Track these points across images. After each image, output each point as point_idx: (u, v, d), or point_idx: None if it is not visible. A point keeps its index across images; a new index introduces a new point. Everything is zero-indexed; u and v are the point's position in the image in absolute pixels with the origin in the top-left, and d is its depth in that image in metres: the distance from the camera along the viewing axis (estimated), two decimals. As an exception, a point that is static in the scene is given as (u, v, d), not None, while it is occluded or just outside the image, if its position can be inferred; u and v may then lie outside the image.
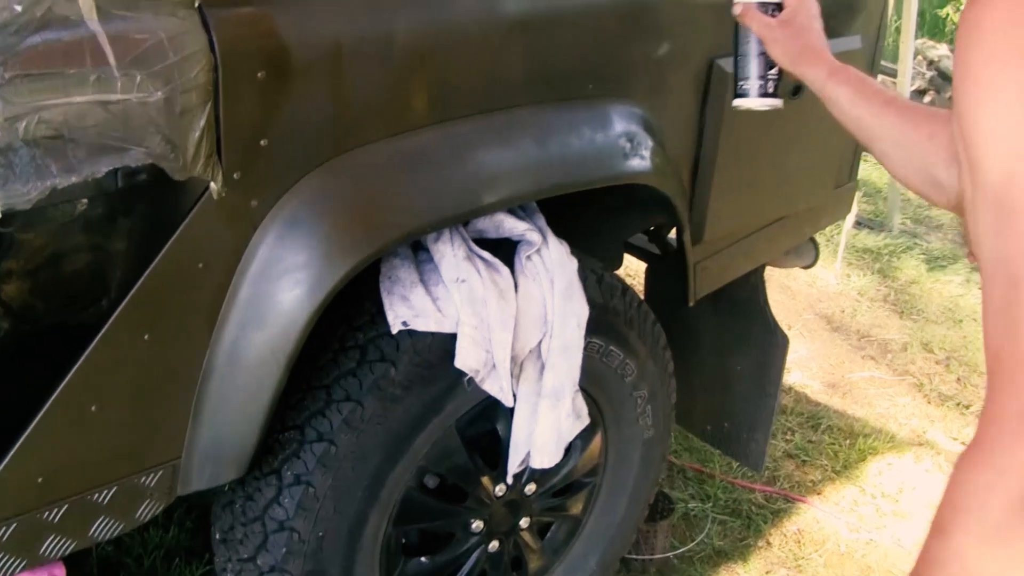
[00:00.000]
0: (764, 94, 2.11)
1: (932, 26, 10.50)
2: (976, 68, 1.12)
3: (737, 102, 2.14)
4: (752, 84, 2.11)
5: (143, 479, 1.79)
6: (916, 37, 8.06)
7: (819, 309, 5.37)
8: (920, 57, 8.87)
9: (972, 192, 1.14)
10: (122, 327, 1.64)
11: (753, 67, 2.11)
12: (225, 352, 1.77)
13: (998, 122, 1.10)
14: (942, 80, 8.75)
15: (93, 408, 1.66)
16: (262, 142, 1.67)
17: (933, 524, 1.12)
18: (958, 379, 4.90)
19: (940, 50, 9.04)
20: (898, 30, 6.41)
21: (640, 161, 2.21)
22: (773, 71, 2.09)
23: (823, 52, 1.98)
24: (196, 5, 1.55)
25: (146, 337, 1.67)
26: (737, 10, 2.06)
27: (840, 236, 5.66)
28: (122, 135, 1.48)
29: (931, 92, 8.69)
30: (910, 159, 1.79)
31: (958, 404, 4.69)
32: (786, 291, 5.41)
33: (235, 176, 1.65)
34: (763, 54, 2.08)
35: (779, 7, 2.04)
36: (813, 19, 2.03)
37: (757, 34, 2.06)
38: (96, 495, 1.73)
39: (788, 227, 2.98)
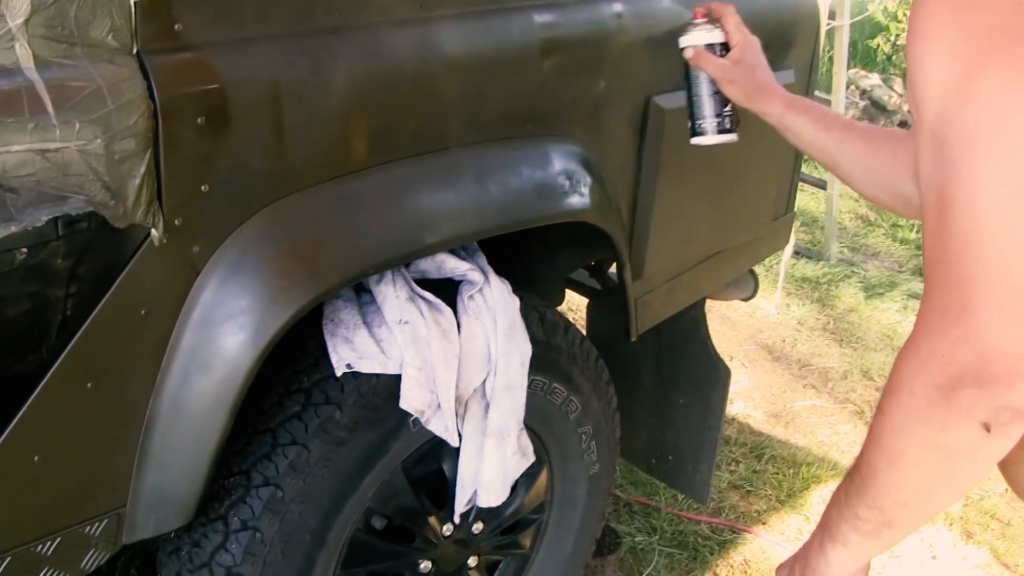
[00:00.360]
0: (722, 131, 2.22)
1: (864, 56, 10.66)
2: (921, 24, 1.27)
3: (695, 140, 2.24)
4: (709, 123, 2.22)
5: (88, 528, 1.77)
6: (848, 67, 8.18)
7: (760, 339, 5.42)
8: (853, 87, 8.99)
9: (918, 130, 1.27)
10: (64, 376, 1.62)
11: (708, 106, 2.21)
12: (169, 399, 1.76)
13: (935, 67, 1.24)
14: (875, 109, 8.88)
15: (36, 458, 1.64)
16: (203, 187, 1.66)
17: (877, 406, 1.31)
18: (898, 406, 4.94)
19: (872, 79, 9.18)
20: (831, 60, 6.49)
21: (579, 199, 2.23)
22: (728, 108, 2.20)
23: (775, 86, 2.10)
24: (134, 51, 1.54)
25: (89, 385, 1.66)
26: (688, 54, 2.17)
27: (779, 266, 5.71)
28: (62, 183, 1.47)
29: (864, 121, 8.80)
30: (877, 178, 1.92)
31: (899, 431, 4.72)
32: (727, 322, 5.45)
33: (176, 222, 1.65)
34: (717, 93, 2.19)
35: (725, 47, 2.17)
36: (759, 56, 2.17)
37: (713, 75, 2.17)
38: (40, 546, 1.71)
39: (727, 260, 3.01)
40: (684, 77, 2.25)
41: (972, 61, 1.21)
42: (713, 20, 2.22)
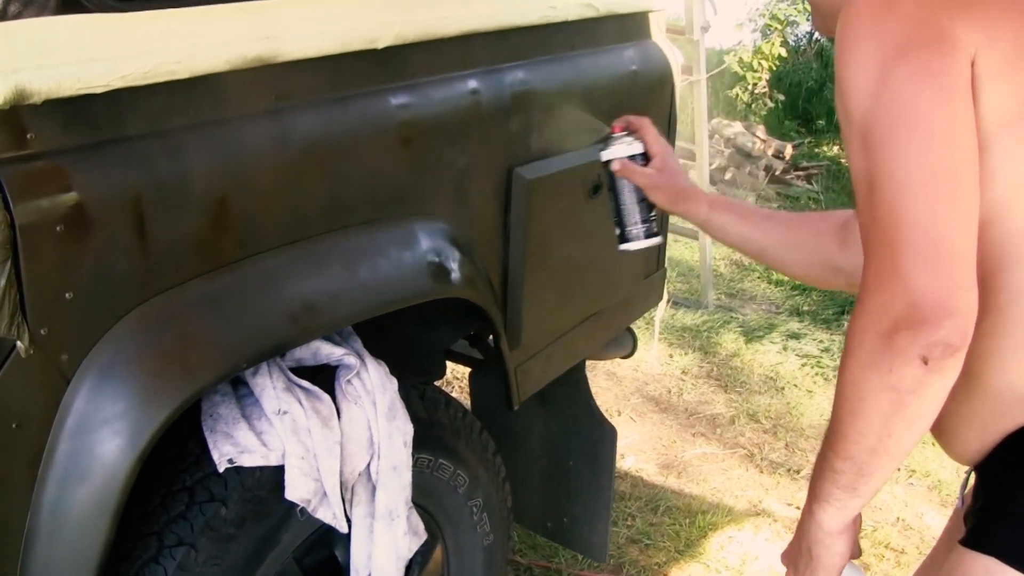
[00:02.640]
0: (649, 235, 2.33)
1: (726, 105, 10.88)
2: (845, 42, 1.54)
3: (625, 247, 2.33)
4: (638, 229, 2.31)
5: (-30, 654, 1.73)
6: (711, 118, 8.34)
7: (646, 392, 5.47)
8: (717, 136, 9.17)
9: (847, 134, 1.54)
10: (-64, 496, 1.59)
11: (636, 213, 2.31)
12: (48, 510, 1.73)
13: (857, 75, 1.50)
14: (740, 156, 9.06)
15: (-88, 585, 1.61)
16: (67, 295, 1.65)
17: (838, 366, 1.52)
18: (786, 445, 5.04)
19: (735, 127, 9.37)
20: (693, 110, 6.62)
21: (449, 275, 2.25)
22: (653, 213, 2.31)
23: (697, 189, 2.28)
24: (-13, 164, 1.53)
25: (-38, 504, 1.63)
26: (616, 166, 2.30)
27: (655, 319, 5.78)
28: (-80, 303, 1.46)
29: (731, 169, 8.98)
30: (805, 256, 2.15)
31: (789, 470, 4.81)
32: (612, 377, 5.50)
33: (42, 332, 1.62)
34: (643, 200, 2.29)
35: (645, 156, 2.28)
36: (677, 162, 2.32)
37: (640, 185, 2.27)
38: None
39: (603, 321, 3.05)
40: (608, 188, 2.34)
41: (884, 66, 1.48)
42: (631, 132, 2.32)
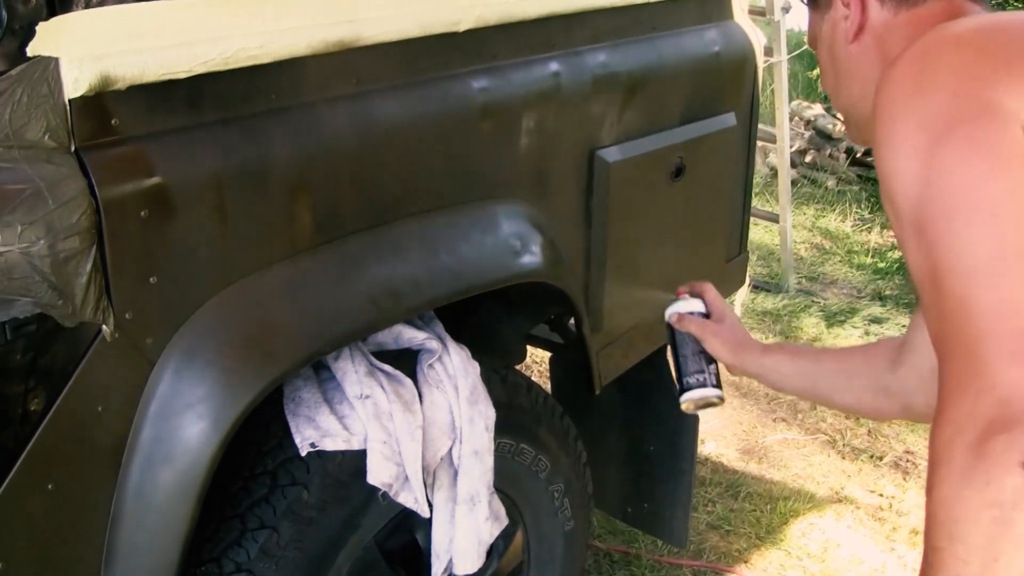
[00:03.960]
0: (706, 385, 2.32)
1: (806, 87, 10.75)
2: (881, 130, 1.47)
3: (683, 398, 2.34)
4: (694, 379, 2.32)
5: (59, 630, 1.75)
6: (791, 99, 8.25)
7: (727, 377, 5.39)
8: (797, 118, 9.06)
9: (899, 230, 1.43)
10: (24, 479, 1.60)
11: (694, 364, 2.32)
12: (133, 493, 1.74)
13: (899, 162, 1.42)
14: (820, 138, 8.94)
15: (1, 566, 1.62)
16: (151, 280, 1.66)
17: (925, 487, 1.32)
18: (868, 431, 4.96)
19: (815, 109, 9.24)
20: (774, 93, 6.54)
21: (531, 259, 2.23)
22: (712, 366, 2.31)
23: (754, 341, 2.27)
24: (72, 150, 1.54)
25: (50, 487, 1.64)
26: (673, 319, 2.32)
27: (737, 304, 5.73)
28: (7, 287, 1.47)
29: (811, 151, 8.87)
30: (856, 383, 2.06)
31: (871, 456, 4.75)
32: (692, 363, 5.45)
33: (127, 316, 1.64)
34: (701, 352, 2.30)
35: (706, 316, 2.32)
36: (736, 320, 2.34)
37: (695, 333, 2.29)
38: (11, 653, 1.69)
39: (685, 305, 3.01)
40: (669, 342, 2.36)
41: (928, 150, 1.38)
42: (694, 294, 2.35)
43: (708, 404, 2.35)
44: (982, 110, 1.38)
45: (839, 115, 9.21)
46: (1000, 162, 1.34)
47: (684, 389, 2.33)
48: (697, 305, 2.33)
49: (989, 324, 1.28)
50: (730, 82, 2.95)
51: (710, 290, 2.36)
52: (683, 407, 2.35)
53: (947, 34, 1.57)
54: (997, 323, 1.27)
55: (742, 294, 5.60)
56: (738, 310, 5.68)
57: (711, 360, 2.31)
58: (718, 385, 2.33)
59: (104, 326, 1.60)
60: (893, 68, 1.55)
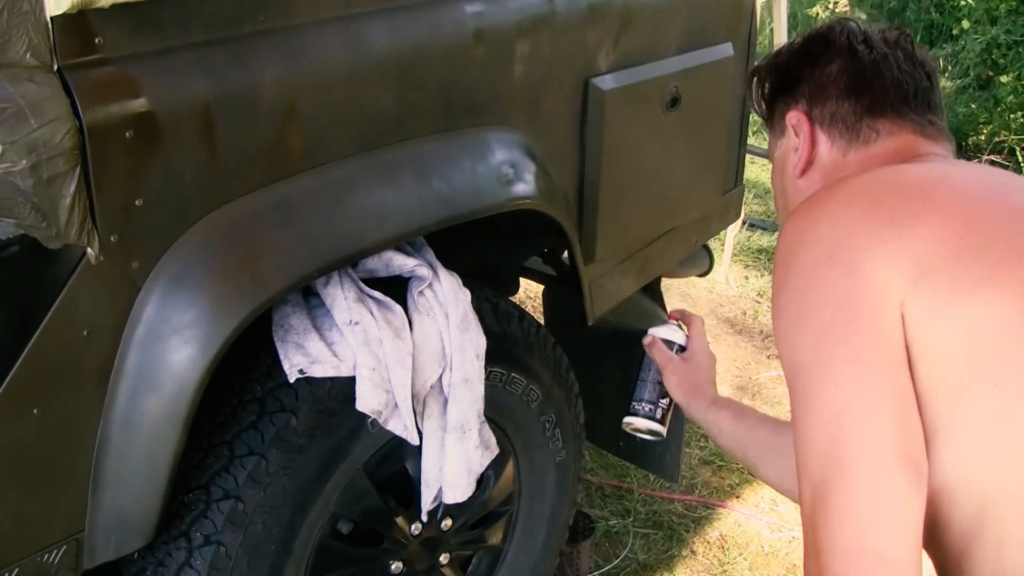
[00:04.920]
0: (651, 418, 2.41)
1: (804, 25, 10.67)
2: (775, 279, 1.59)
3: (626, 419, 2.43)
4: (644, 407, 2.41)
5: (46, 556, 1.74)
6: (789, 38, 8.18)
7: (721, 314, 5.42)
8: (796, 56, 8.99)
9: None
10: (9, 404, 1.59)
11: (648, 391, 2.41)
12: (120, 419, 1.73)
13: (777, 328, 1.57)
14: (820, 77, 8.88)
15: (-13, 490, 1.62)
16: (137, 202, 1.63)
17: None
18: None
19: (815, 48, 9.17)
20: (772, 31, 6.49)
21: (524, 187, 2.21)
22: (665, 400, 2.39)
23: (710, 390, 2.34)
24: (55, 69, 1.51)
25: (35, 411, 1.63)
26: (647, 340, 2.39)
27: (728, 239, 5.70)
28: (-10, 208, 1.45)
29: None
30: (782, 460, 2.02)
31: (865, 394, 4.74)
32: (687, 299, 5.45)
33: (112, 239, 1.62)
34: (659, 383, 2.37)
35: (683, 349, 2.38)
36: (709, 367, 2.37)
37: (658, 362, 2.36)
38: (-3, 578, 1.69)
39: (679, 237, 3.00)
40: (637, 360, 2.46)
41: (795, 323, 1.51)
42: (682, 324, 2.43)
43: (649, 435, 2.43)
44: (850, 295, 1.44)
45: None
46: (853, 364, 1.40)
47: (632, 413, 2.42)
48: (678, 336, 2.40)
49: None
50: (727, 11, 2.91)
51: (697, 325, 2.43)
52: (623, 426, 2.44)
53: (842, 190, 1.63)
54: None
55: (735, 228, 5.57)
56: (731, 246, 5.66)
57: (665, 395, 2.38)
58: (663, 422, 2.41)
59: (89, 249, 1.58)
60: (791, 216, 1.63)
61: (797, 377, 1.46)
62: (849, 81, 1.81)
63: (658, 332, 2.41)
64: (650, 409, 2.39)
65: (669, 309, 3.30)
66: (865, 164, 1.76)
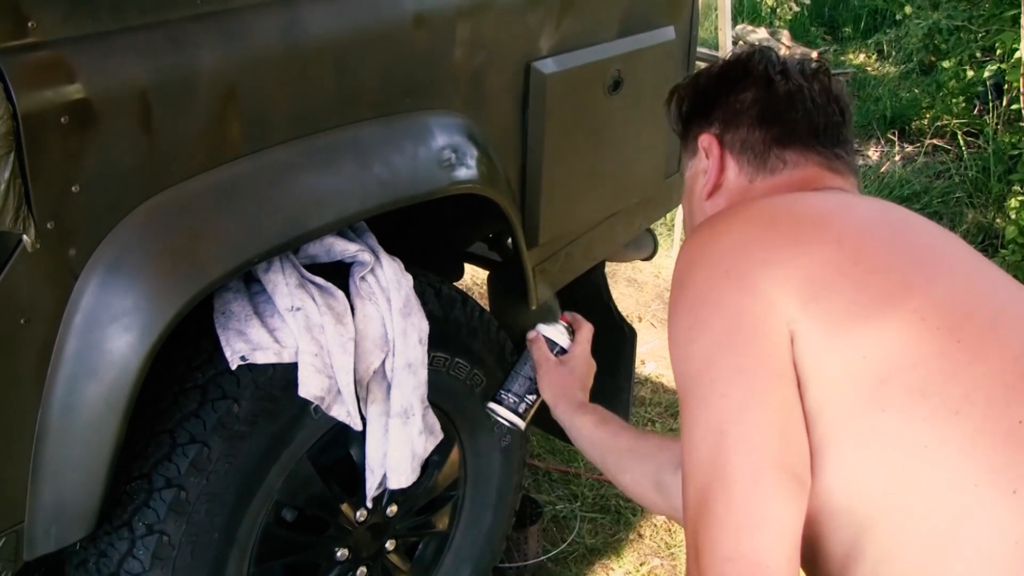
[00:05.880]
0: (514, 412, 2.45)
1: (750, 11, 10.73)
2: (672, 296, 1.63)
3: (490, 404, 2.47)
4: (510, 398, 2.45)
5: (-15, 548, 1.73)
6: (735, 23, 8.22)
7: (667, 298, 5.41)
8: (741, 42, 9.04)
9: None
10: (-55, 393, 1.58)
11: (518, 384, 2.45)
12: (59, 408, 1.71)
13: (672, 347, 1.59)
14: (764, 62, 8.93)
15: (-78, 481, 1.60)
16: (73, 188, 1.62)
17: None
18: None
19: (759, 33, 9.24)
20: (717, 17, 6.52)
21: (466, 171, 2.20)
22: (531, 398, 2.44)
23: (580, 396, 2.38)
24: (-12, 54, 1.50)
25: (-28, 401, 1.61)
26: (531, 335, 2.44)
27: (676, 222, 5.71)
28: (-79, 195, 1.43)
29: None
30: (641, 465, 2.12)
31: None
32: (633, 283, 5.46)
33: (48, 226, 1.60)
34: (532, 379, 2.42)
35: (564, 351, 2.42)
36: (584, 374, 2.44)
37: (536, 363, 2.42)
38: (-65, 571, 1.67)
39: (622, 221, 3.00)
40: (518, 353, 2.53)
41: (686, 341, 1.54)
42: (571, 329, 2.49)
43: (509, 424, 2.46)
44: (741, 310, 1.47)
45: (783, 40, 9.21)
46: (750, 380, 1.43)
47: (497, 400, 2.46)
48: (562, 339, 2.44)
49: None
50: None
51: (585, 332, 2.49)
52: (487, 410, 2.48)
53: (743, 211, 1.68)
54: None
55: (679, 212, 5.59)
56: (678, 228, 5.67)
57: (534, 393, 2.42)
58: (524, 417, 2.45)
59: (25, 236, 1.56)
60: (691, 234, 1.70)
61: (687, 387, 1.49)
62: (762, 111, 1.82)
63: (544, 330, 2.45)
64: (515, 402, 2.44)
65: (613, 292, 3.33)
66: (769, 192, 1.79)
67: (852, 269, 1.47)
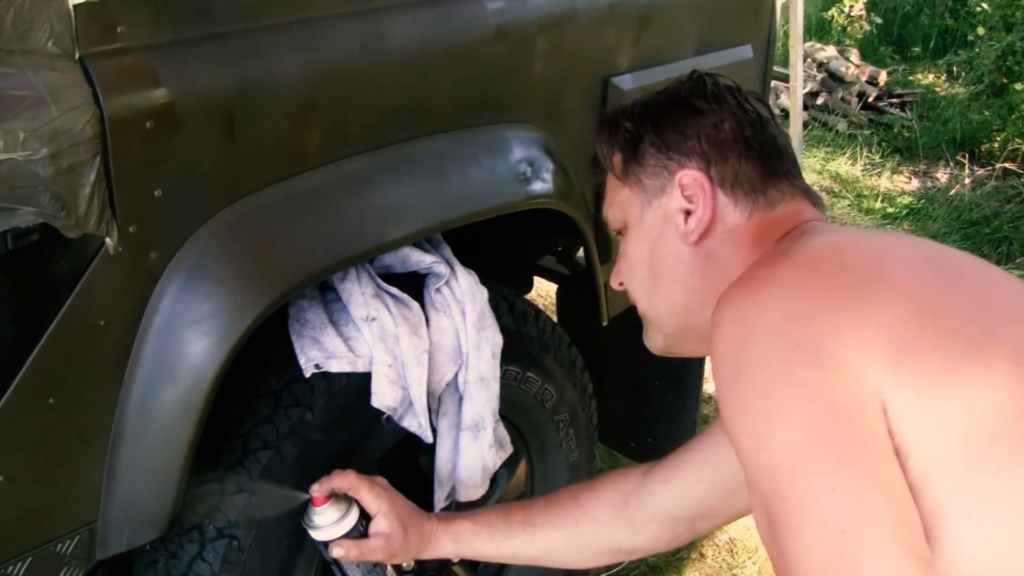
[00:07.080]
0: None
1: (819, 29, 10.66)
2: (736, 405, 1.39)
3: None
4: None
5: (59, 546, 1.73)
6: (804, 41, 8.18)
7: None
8: (809, 60, 8.99)
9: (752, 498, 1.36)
10: (25, 393, 1.58)
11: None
12: (135, 410, 1.72)
13: (745, 442, 1.36)
14: (833, 80, 8.88)
15: (1, 479, 1.61)
16: (156, 193, 1.63)
17: None
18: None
19: (828, 51, 9.18)
20: (787, 34, 6.48)
21: (542, 185, 2.20)
22: (379, 568, 2.08)
23: (429, 524, 2.10)
24: (76, 57, 1.51)
25: (51, 401, 1.62)
26: (339, 552, 2.00)
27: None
28: (9, 196, 1.43)
29: (823, 94, 8.81)
30: (588, 544, 2.04)
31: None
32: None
33: (131, 229, 1.61)
34: (375, 567, 2.06)
35: (366, 517, 2.04)
36: (404, 506, 2.08)
37: (380, 560, 2.05)
38: (10, 567, 1.68)
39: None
40: (332, 563, 2.05)
41: (763, 437, 1.32)
42: (339, 501, 2.02)
43: None
44: (825, 387, 1.30)
45: (851, 59, 9.15)
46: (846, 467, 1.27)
47: None
48: (352, 517, 2.01)
49: None
50: (747, 13, 2.90)
51: (359, 486, 2.03)
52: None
53: (784, 268, 1.49)
54: None
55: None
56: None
57: (381, 564, 2.07)
58: None
59: (107, 239, 1.57)
60: (725, 300, 1.46)
61: (778, 484, 1.30)
62: (747, 140, 1.70)
63: (326, 535, 2.00)
64: None
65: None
66: (766, 228, 1.65)
67: (929, 322, 1.34)
